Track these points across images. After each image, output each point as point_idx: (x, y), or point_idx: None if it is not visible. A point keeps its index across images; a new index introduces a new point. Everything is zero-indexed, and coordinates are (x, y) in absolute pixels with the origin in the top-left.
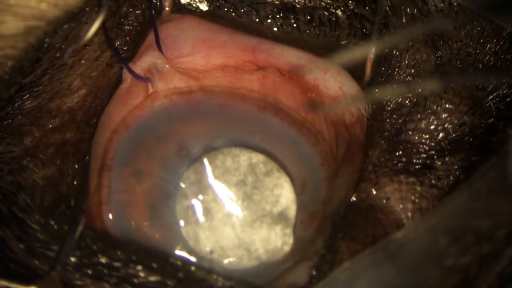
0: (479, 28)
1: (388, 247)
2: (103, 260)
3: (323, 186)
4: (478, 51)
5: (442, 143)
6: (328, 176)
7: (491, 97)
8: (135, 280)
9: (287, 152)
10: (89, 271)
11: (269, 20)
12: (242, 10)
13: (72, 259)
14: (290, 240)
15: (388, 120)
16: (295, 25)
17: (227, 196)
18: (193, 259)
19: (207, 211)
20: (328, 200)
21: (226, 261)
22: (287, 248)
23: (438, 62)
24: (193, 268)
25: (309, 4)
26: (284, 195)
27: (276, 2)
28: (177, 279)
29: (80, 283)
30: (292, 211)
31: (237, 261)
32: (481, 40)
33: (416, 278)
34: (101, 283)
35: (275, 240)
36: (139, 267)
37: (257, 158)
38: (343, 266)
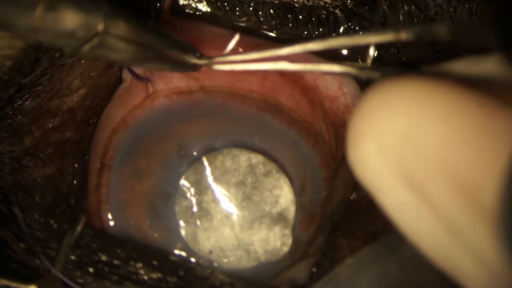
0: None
1: (389, 243)
2: (103, 258)
3: (323, 187)
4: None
5: None
6: (328, 177)
7: None
8: (136, 278)
9: (287, 153)
10: (90, 269)
11: (268, 20)
12: (241, 10)
13: (72, 257)
14: (289, 241)
15: None
16: (294, 24)
17: (226, 197)
18: (192, 259)
19: (206, 212)
20: (327, 201)
21: (225, 261)
22: (286, 249)
23: (436, 58)
24: (193, 265)
25: (308, 4)
26: (283, 195)
27: (275, 2)
28: (178, 276)
29: (81, 281)
30: (291, 212)
31: (236, 262)
32: None
33: (418, 273)
34: (102, 281)
35: (274, 241)
36: (139, 265)
37: (257, 158)
38: (346, 263)
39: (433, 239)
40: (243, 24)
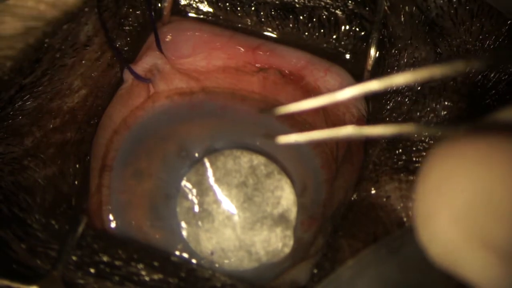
0: (478, 25)
1: (390, 244)
2: (104, 259)
3: (324, 188)
4: (478, 47)
5: None
6: (329, 178)
7: (490, 94)
8: (138, 278)
9: (288, 154)
10: (91, 270)
11: (269, 21)
12: (243, 11)
13: (74, 258)
14: (291, 242)
15: (388, 118)
16: (295, 25)
17: (228, 198)
18: (193, 260)
19: (208, 213)
20: (328, 202)
21: (226, 262)
22: (287, 250)
23: (437, 59)
24: (194, 267)
25: (309, 4)
26: (284, 196)
27: (276, 2)
28: (179, 277)
29: (82, 282)
30: (292, 213)
31: (238, 263)
32: (480, 37)
33: (419, 275)
34: (103, 282)
35: (275, 242)
36: (141, 266)
37: (258, 160)
38: (347, 264)
39: None
40: (244, 24)
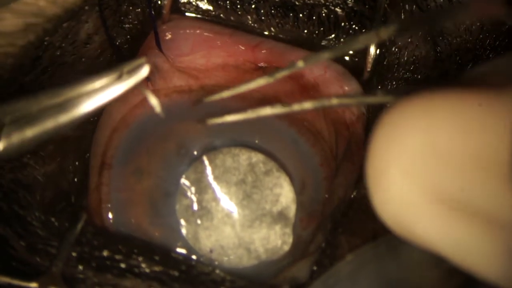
0: (478, 24)
1: (390, 241)
2: (104, 253)
3: (323, 186)
4: (478, 46)
5: None
6: (328, 175)
7: None
8: (138, 271)
9: (287, 151)
10: (91, 264)
11: (269, 19)
12: (242, 9)
13: (73, 254)
14: (290, 239)
15: None
16: (294, 23)
17: (227, 195)
18: (193, 257)
19: (207, 210)
20: (327, 199)
21: (225, 260)
22: (286, 247)
23: (437, 58)
24: (194, 263)
25: (309, 2)
26: (283, 194)
27: (276, 0)
28: (180, 270)
29: (82, 277)
30: (291, 210)
31: (237, 260)
32: (481, 36)
33: (417, 272)
34: (103, 275)
35: (274, 240)
36: (141, 258)
37: (257, 157)
38: (346, 259)
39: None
40: (243, 22)
